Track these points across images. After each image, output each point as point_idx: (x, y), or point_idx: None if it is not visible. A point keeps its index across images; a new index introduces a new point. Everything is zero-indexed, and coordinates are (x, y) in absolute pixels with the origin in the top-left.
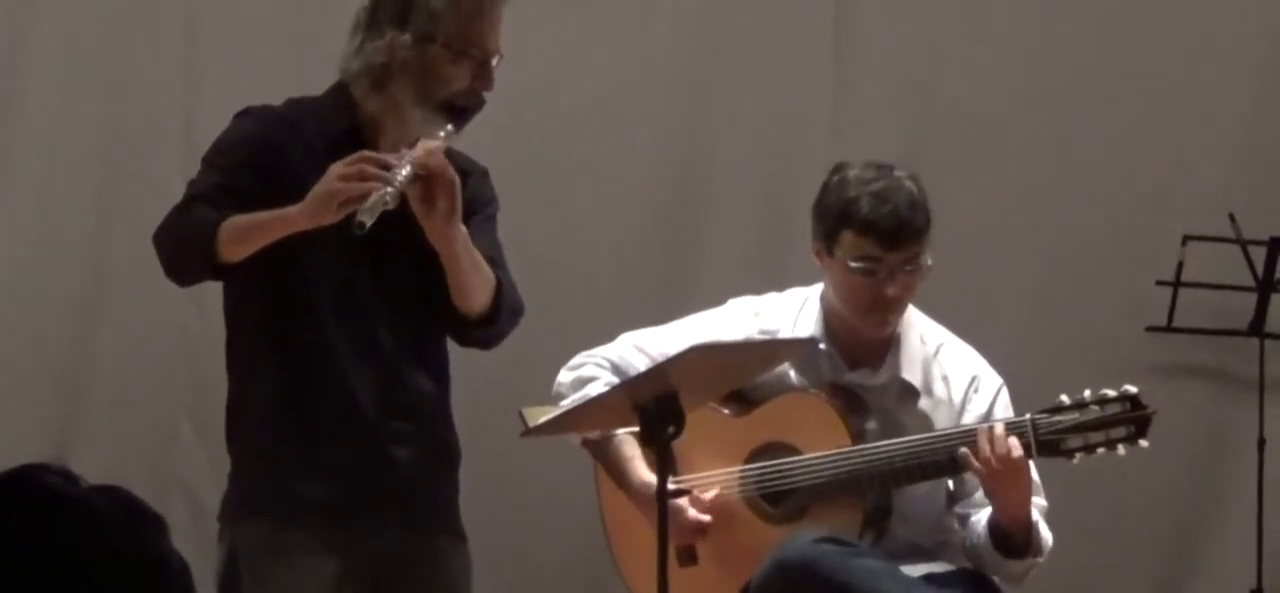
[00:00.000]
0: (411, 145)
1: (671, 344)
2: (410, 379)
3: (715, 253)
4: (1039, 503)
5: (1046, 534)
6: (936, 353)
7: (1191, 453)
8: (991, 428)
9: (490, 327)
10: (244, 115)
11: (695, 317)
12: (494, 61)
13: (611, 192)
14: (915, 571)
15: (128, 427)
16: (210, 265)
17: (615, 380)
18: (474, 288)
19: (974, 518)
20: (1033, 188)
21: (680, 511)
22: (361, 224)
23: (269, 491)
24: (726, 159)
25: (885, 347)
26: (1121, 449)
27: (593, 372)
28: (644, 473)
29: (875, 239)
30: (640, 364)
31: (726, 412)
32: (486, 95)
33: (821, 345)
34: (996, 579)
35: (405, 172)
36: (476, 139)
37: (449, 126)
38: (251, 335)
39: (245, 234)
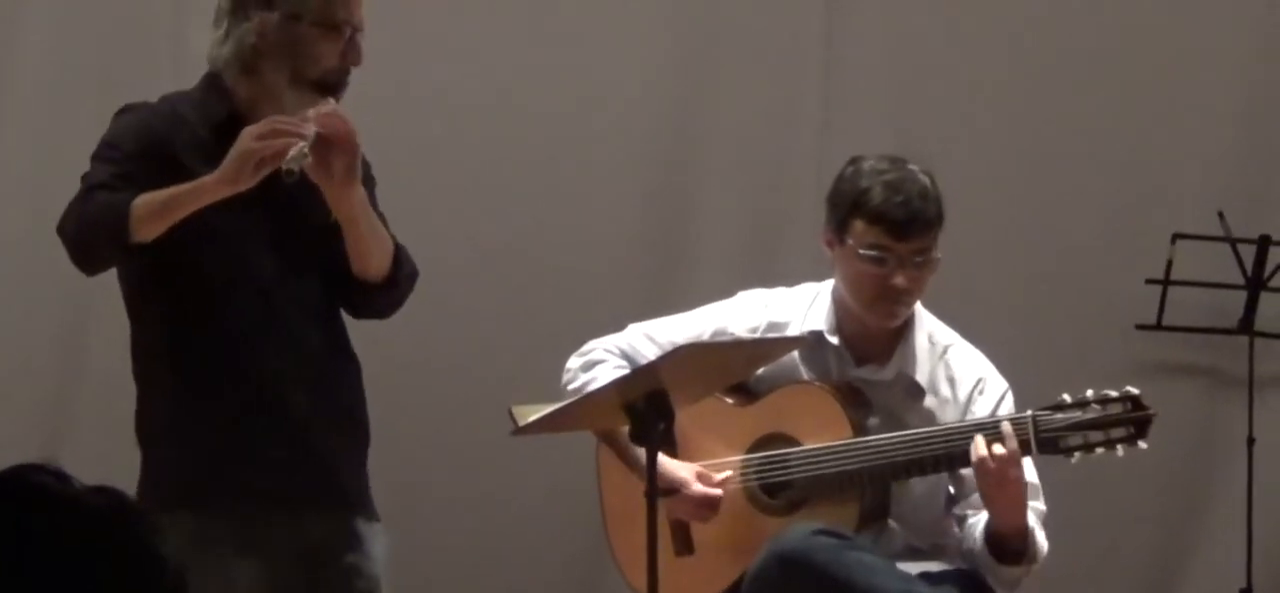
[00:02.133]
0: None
1: (680, 334)
2: (321, 360)
3: (704, 253)
4: (1037, 507)
5: (1042, 541)
6: (944, 353)
7: (1181, 452)
8: (990, 431)
9: (392, 290)
10: (126, 112)
11: (705, 308)
12: (359, 36)
13: (600, 192)
14: (910, 569)
15: (120, 428)
16: (122, 245)
17: (625, 365)
18: (373, 250)
19: (971, 520)
20: (1022, 186)
21: (686, 483)
22: (290, 172)
23: (186, 482)
24: (715, 159)
25: (893, 343)
26: (1120, 450)
27: (602, 357)
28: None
29: (885, 228)
30: (650, 353)
31: (731, 401)
32: (475, 93)
33: (832, 339)
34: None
35: (313, 130)
36: (464, 135)
37: (330, 100)
38: (154, 324)
39: (160, 209)
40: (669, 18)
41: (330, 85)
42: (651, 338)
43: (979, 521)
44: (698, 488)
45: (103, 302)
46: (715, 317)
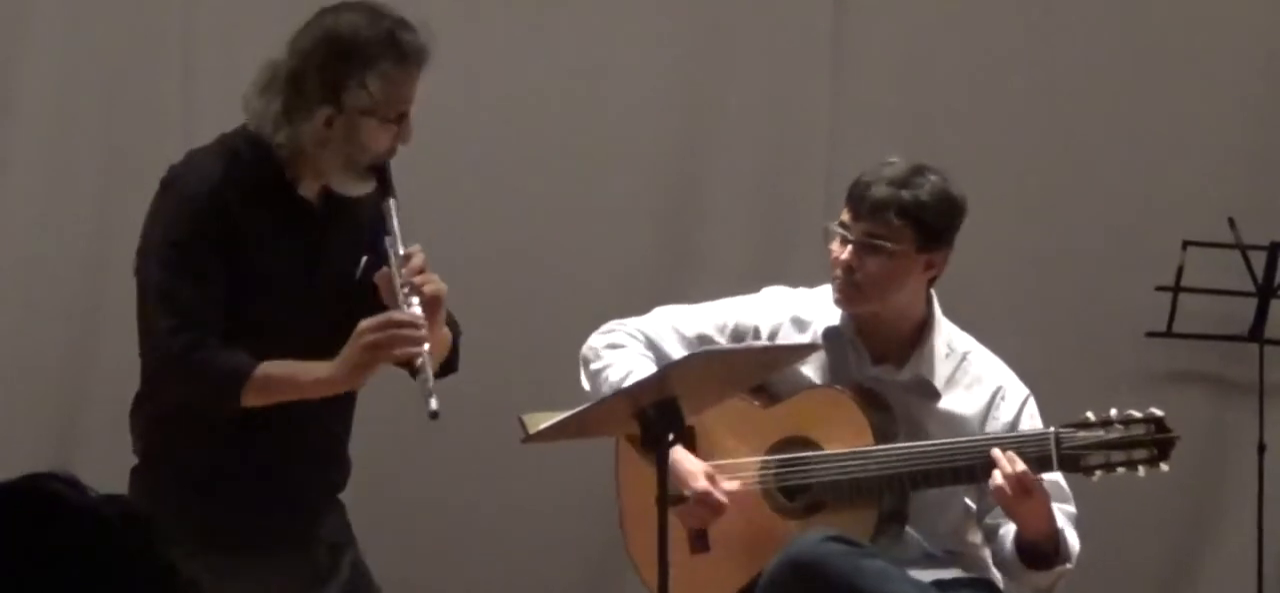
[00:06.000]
0: (386, 229)
1: (704, 324)
2: (341, 412)
3: (714, 257)
4: (1068, 509)
5: (1073, 541)
6: (963, 359)
7: (1191, 459)
8: (1006, 451)
9: (446, 375)
10: (175, 189)
11: (732, 300)
12: (411, 113)
13: (609, 195)
14: (925, 576)
15: (126, 440)
16: (233, 410)
17: (648, 352)
18: (438, 358)
19: (1002, 530)
20: (1032, 193)
21: (693, 476)
22: (435, 413)
23: (204, 526)
24: (724, 163)
25: (910, 347)
26: (1142, 471)
27: (624, 340)
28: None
29: (847, 204)
30: (670, 343)
31: (756, 403)
32: (483, 98)
33: (850, 336)
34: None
35: (418, 312)
36: (472, 141)
37: (392, 202)
38: None
39: (277, 390)
40: (677, 22)
41: (379, 168)
42: (675, 327)
43: (1010, 530)
44: (701, 484)
45: (113, 309)
46: (739, 310)
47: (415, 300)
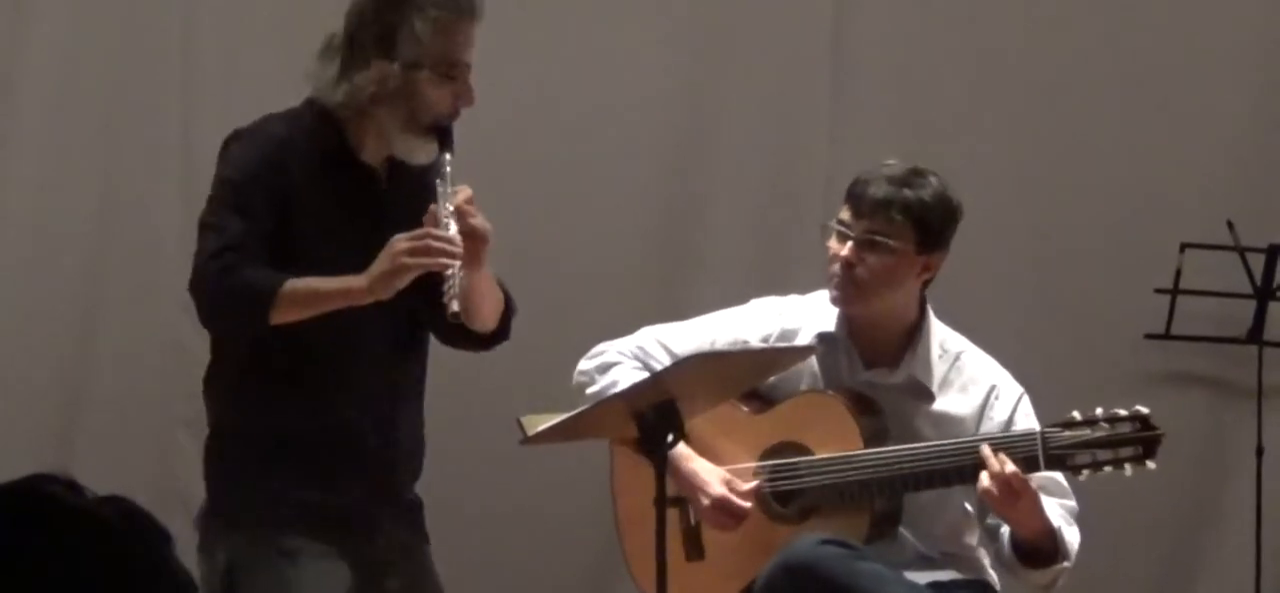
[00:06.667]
0: (437, 173)
1: (693, 341)
2: (406, 396)
3: (714, 256)
4: (1068, 505)
5: (1072, 538)
6: (956, 360)
7: (1190, 461)
8: (996, 453)
9: (493, 341)
10: (239, 141)
11: (719, 314)
12: (470, 74)
13: (610, 197)
14: (920, 579)
15: (125, 438)
16: (262, 327)
17: (640, 367)
18: (487, 312)
19: (1003, 529)
20: (1030, 195)
21: (707, 485)
22: (456, 314)
23: (273, 498)
24: (724, 163)
25: (903, 349)
26: (1128, 469)
27: (616, 358)
28: (691, 459)
29: (847, 202)
30: (662, 359)
31: (746, 409)
32: (483, 98)
33: (843, 340)
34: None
35: (455, 234)
36: (475, 143)
37: (447, 155)
38: (256, 353)
39: (304, 302)
40: (678, 22)
41: (442, 128)
42: (664, 344)
43: (1009, 529)
44: (718, 490)
45: (113, 310)
46: (729, 324)
47: (454, 226)
